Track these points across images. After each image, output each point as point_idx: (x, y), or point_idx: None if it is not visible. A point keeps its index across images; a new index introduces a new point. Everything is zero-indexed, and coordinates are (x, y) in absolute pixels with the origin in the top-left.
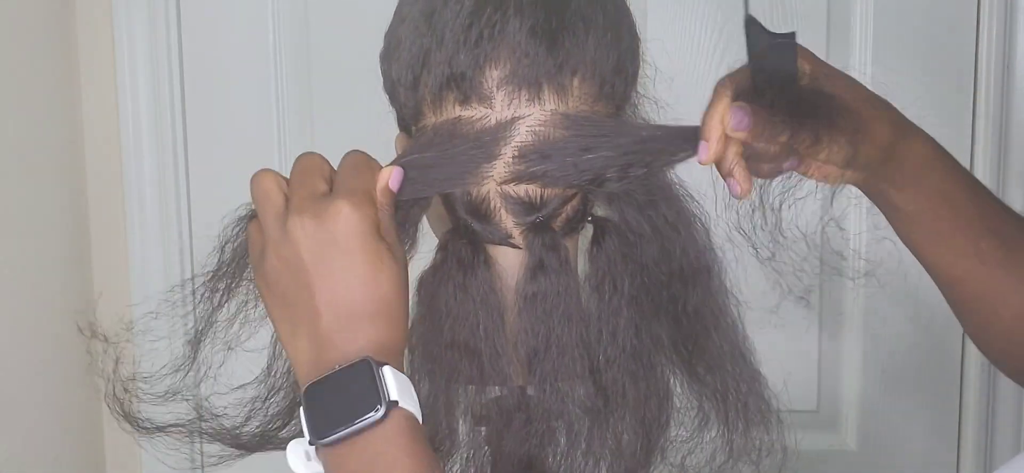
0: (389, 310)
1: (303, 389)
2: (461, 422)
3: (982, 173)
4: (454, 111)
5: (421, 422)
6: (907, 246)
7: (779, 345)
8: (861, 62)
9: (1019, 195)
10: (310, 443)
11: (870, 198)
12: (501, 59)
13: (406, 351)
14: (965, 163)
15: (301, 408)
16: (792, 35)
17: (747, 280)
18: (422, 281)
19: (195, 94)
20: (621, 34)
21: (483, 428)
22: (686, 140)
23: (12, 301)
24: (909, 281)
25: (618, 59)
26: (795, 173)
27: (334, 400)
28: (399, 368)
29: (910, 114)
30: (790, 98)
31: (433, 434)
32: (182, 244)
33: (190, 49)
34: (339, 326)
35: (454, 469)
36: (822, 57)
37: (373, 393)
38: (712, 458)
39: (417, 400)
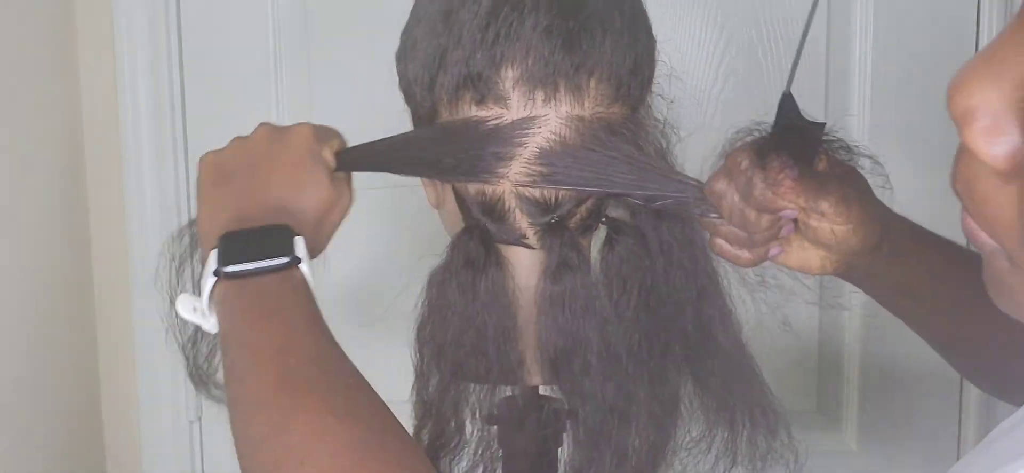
0: (315, 216)
1: (219, 234)
2: (469, 421)
3: None
4: (470, 111)
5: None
6: (908, 319)
7: (779, 345)
8: (861, 62)
9: None
10: (214, 273)
11: (851, 281)
12: (517, 59)
13: (415, 346)
14: None
15: (211, 251)
16: (823, 125)
17: (745, 281)
18: (432, 279)
19: (195, 94)
20: (638, 36)
21: (495, 427)
22: (691, 196)
23: (12, 301)
24: None
25: (635, 61)
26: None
27: (247, 244)
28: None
29: (910, 114)
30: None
31: (441, 431)
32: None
33: (190, 49)
34: (267, 204)
35: (462, 467)
36: (822, 57)
37: (286, 247)
38: (716, 464)
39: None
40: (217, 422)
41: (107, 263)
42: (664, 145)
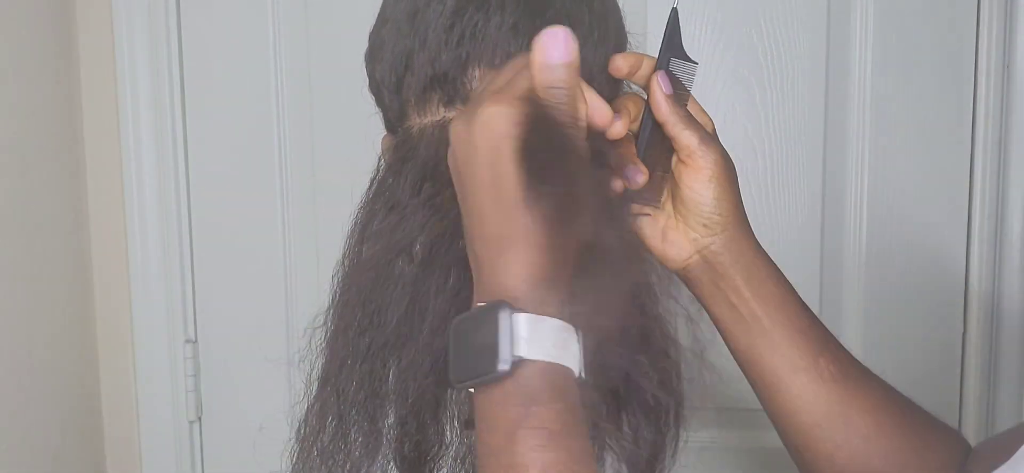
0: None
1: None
2: (448, 425)
3: (982, 176)
4: (439, 112)
5: (579, 376)
6: (742, 360)
7: None
8: (861, 62)
9: (1019, 195)
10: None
11: (705, 297)
12: (484, 59)
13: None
14: (965, 163)
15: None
16: (695, 64)
17: None
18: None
19: (195, 94)
20: (608, 31)
21: (472, 432)
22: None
23: (12, 301)
24: (911, 281)
25: (605, 58)
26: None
27: (463, 346)
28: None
29: (911, 115)
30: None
31: (422, 436)
32: (182, 244)
33: (190, 49)
34: (487, 246)
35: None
36: (822, 57)
37: (501, 344)
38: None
39: (575, 351)
40: (217, 422)
41: (107, 263)
42: None
